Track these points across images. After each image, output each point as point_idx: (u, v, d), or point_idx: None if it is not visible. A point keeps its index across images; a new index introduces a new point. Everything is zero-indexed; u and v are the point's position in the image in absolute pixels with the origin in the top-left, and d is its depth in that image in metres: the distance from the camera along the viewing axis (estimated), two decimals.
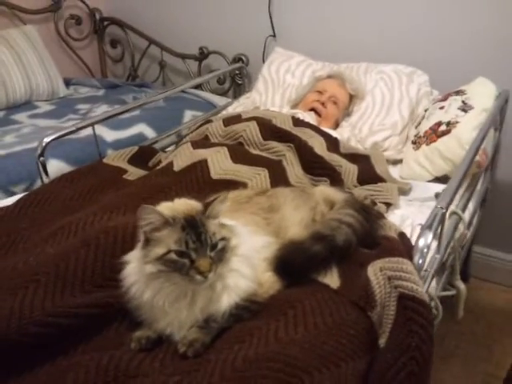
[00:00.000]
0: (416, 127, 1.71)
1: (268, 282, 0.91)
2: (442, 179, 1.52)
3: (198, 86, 2.44)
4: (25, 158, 1.62)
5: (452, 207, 1.17)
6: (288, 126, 1.53)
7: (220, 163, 1.33)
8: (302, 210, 1.07)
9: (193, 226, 0.79)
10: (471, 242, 1.84)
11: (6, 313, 0.81)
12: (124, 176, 1.46)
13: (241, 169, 1.32)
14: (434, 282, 1.09)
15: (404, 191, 1.46)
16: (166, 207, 0.84)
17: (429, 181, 1.54)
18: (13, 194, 1.56)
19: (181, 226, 0.79)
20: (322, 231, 0.98)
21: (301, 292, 0.89)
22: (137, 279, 0.82)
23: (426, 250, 0.92)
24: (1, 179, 1.55)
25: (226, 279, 0.83)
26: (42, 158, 1.47)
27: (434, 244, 1.05)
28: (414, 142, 1.63)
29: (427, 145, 1.53)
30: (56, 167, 1.61)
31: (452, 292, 1.24)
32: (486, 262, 2.04)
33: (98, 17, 2.78)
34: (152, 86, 2.63)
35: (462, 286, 1.25)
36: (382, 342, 0.84)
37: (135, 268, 0.83)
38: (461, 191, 1.39)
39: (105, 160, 1.54)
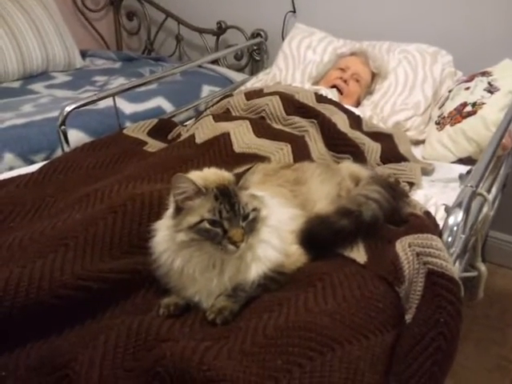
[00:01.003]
0: (439, 108, 1.68)
1: (295, 254, 0.91)
2: (464, 161, 1.51)
3: (215, 62, 2.41)
4: (46, 127, 1.61)
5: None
6: (311, 101, 1.51)
7: (243, 137, 1.32)
8: (328, 184, 1.06)
9: (226, 196, 0.79)
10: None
11: (36, 276, 0.82)
12: (144, 148, 1.45)
13: (264, 143, 1.31)
14: (457, 263, 1.09)
15: (427, 172, 1.44)
16: (197, 176, 0.84)
17: (451, 162, 1.52)
18: (32, 162, 1.56)
19: (214, 195, 0.79)
20: (348, 206, 0.97)
21: (328, 265, 0.89)
22: (167, 247, 0.82)
23: (455, 228, 0.92)
24: (22, 147, 1.55)
25: (255, 249, 0.83)
26: (63, 127, 1.47)
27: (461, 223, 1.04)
28: (437, 123, 1.60)
29: (451, 125, 1.51)
30: (75, 137, 1.60)
31: (473, 273, 1.23)
32: (501, 248, 2.03)
33: None
34: (168, 60, 2.60)
35: (482, 267, 1.24)
36: (408, 317, 0.84)
37: (166, 236, 0.83)
38: (486, 173, 1.37)
39: (125, 131, 1.53)
